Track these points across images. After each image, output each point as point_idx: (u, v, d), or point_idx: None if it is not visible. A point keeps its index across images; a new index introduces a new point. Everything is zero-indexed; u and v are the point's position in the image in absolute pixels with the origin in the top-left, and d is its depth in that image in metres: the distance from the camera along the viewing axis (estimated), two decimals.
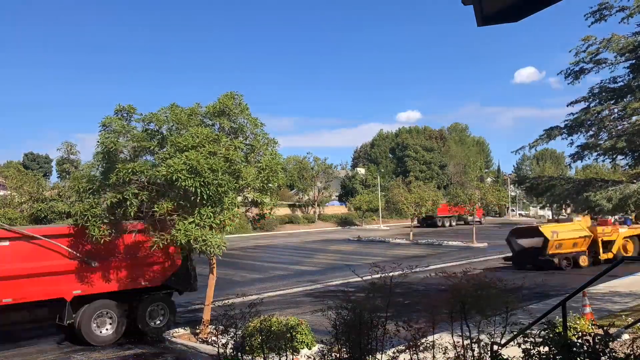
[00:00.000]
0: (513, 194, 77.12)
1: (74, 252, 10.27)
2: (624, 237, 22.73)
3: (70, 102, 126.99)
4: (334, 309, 6.00)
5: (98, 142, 9.83)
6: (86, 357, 10.06)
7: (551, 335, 4.26)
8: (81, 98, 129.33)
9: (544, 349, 4.23)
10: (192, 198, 9.33)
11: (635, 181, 11.79)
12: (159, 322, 11.38)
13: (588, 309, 10.20)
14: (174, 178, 8.78)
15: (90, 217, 9.64)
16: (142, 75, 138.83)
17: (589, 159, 12.60)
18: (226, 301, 11.41)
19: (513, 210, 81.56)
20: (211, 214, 9.30)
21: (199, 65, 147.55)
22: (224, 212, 9.55)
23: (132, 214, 9.72)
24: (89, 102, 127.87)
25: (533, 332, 4.81)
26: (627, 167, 12.88)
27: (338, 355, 5.95)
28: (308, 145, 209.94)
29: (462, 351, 5.51)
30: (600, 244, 21.47)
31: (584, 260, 20.72)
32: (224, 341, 7.48)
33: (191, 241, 9.13)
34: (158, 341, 10.92)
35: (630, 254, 22.20)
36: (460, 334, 5.55)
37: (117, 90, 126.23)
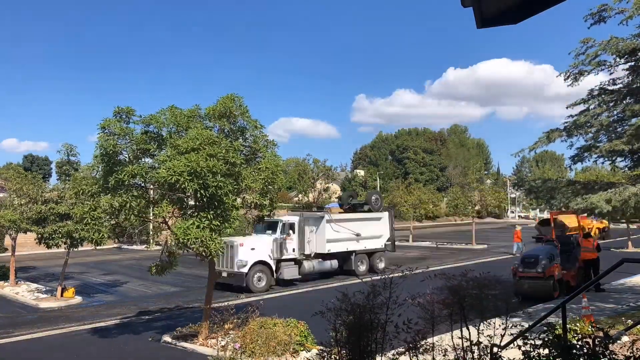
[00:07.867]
0: (513, 195, 77.05)
1: None
2: None
3: (70, 101, 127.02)
4: (333, 311, 5.98)
5: (97, 144, 9.80)
6: None
7: (551, 338, 4.26)
8: (81, 98, 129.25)
9: (544, 351, 4.23)
10: (192, 201, 9.31)
11: (634, 183, 11.80)
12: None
13: (588, 311, 10.19)
14: (174, 180, 8.75)
15: (89, 220, 9.63)
16: (142, 76, 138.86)
17: (588, 160, 12.62)
18: (226, 303, 11.39)
19: (512, 212, 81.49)
20: (211, 216, 9.28)
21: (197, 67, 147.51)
22: (224, 214, 9.53)
23: (131, 216, 9.70)
24: (89, 102, 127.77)
25: (533, 334, 4.81)
26: (627, 169, 12.89)
27: (337, 357, 5.94)
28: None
29: (462, 353, 5.50)
30: None
31: None
32: (223, 343, 7.47)
33: (190, 242, 9.10)
34: (157, 342, 10.91)
35: None
36: (460, 336, 5.54)
37: (117, 90, 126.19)
